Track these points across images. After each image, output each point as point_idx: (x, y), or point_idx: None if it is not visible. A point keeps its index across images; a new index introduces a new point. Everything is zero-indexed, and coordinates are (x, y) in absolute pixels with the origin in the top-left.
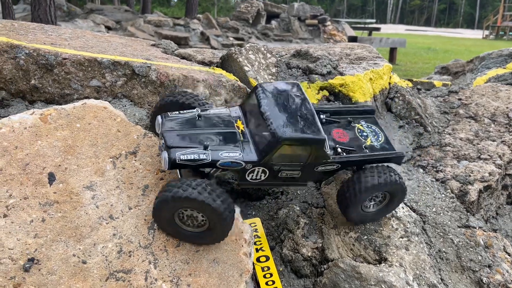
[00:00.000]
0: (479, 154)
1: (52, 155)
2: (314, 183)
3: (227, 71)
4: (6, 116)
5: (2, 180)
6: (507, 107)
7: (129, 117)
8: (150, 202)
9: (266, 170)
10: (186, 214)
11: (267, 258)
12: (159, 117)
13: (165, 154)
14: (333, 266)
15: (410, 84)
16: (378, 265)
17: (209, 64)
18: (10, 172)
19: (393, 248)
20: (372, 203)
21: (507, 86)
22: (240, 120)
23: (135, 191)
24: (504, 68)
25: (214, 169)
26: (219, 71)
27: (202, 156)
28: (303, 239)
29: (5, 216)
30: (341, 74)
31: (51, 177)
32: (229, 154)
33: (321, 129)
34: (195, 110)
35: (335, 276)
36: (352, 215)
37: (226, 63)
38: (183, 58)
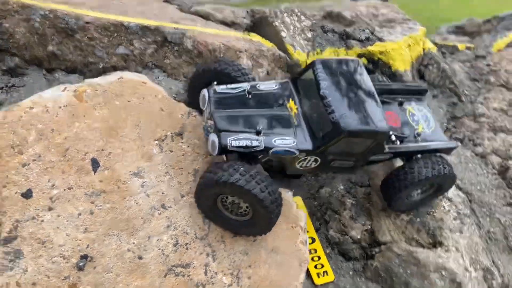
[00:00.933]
0: None
1: (93, 138)
2: None
3: (260, 35)
4: (21, 86)
5: (42, 168)
6: None
7: (165, 90)
8: None
9: (318, 159)
10: (229, 201)
11: (313, 240)
12: (205, 92)
13: (214, 138)
14: (386, 250)
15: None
16: (435, 249)
17: (230, 24)
18: (50, 159)
19: (447, 231)
20: (418, 191)
21: None
22: (292, 100)
23: (185, 177)
24: None
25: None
26: (255, 37)
27: (254, 143)
28: (352, 221)
29: (50, 209)
30: (380, 40)
31: (95, 164)
32: (283, 142)
33: (385, 118)
34: (243, 85)
35: (388, 260)
36: (396, 203)
37: (259, 26)
38: (200, 16)
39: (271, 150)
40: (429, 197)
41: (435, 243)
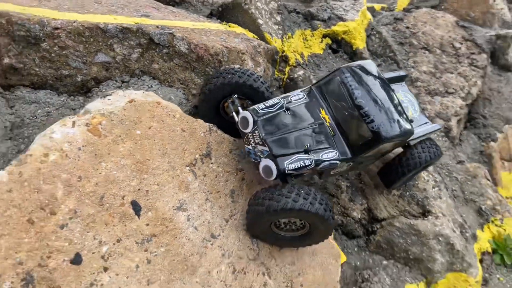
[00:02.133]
0: (446, 89)
1: (125, 178)
2: None
3: (232, 23)
4: None
5: (83, 225)
6: (449, 36)
7: (166, 101)
8: (242, 209)
9: (351, 163)
10: (283, 221)
11: None
12: (247, 115)
13: (269, 163)
14: (387, 225)
15: None
16: (428, 218)
17: (179, 2)
18: (88, 213)
19: (432, 199)
20: (413, 172)
21: (440, 12)
22: (322, 109)
23: (224, 200)
24: None
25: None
26: (238, 28)
27: (307, 162)
28: (351, 202)
29: (106, 269)
30: (341, 18)
31: (136, 206)
32: (328, 156)
33: (408, 117)
34: (277, 100)
35: (389, 233)
36: (396, 185)
37: (231, 12)
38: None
39: (320, 166)
40: (417, 173)
41: (424, 212)
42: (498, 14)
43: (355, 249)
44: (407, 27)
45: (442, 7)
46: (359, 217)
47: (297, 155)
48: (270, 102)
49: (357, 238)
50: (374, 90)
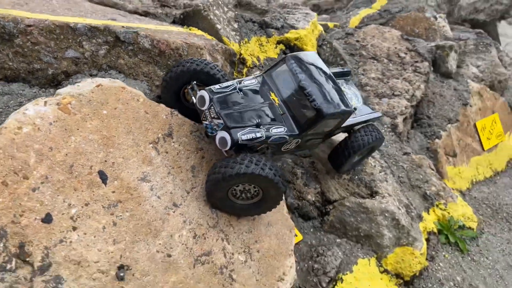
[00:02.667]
0: (393, 92)
1: (93, 150)
2: None
3: (197, 29)
4: None
5: (53, 189)
6: (395, 47)
7: None
8: (202, 182)
9: (299, 140)
10: (239, 189)
11: None
12: (204, 93)
13: (224, 135)
14: (338, 205)
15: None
16: (375, 198)
17: (144, 14)
18: (58, 179)
19: (378, 182)
20: (358, 155)
21: (387, 28)
22: (272, 92)
23: (185, 174)
24: (371, 8)
25: (260, 144)
26: (197, 31)
27: (258, 135)
28: (305, 187)
29: (75, 229)
30: (293, 27)
31: (103, 176)
32: (277, 130)
33: (346, 100)
34: (231, 83)
35: (341, 213)
36: (344, 167)
37: (192, 19)
38: (106, 6)
39: (270, 139)
40: (363, 158)
41: (372, 193)
42: (440, 30)
43: (311, 229)
44: (357, 41)
45: (390, 24)
46: (313, 200)
47: (249, 128)
48: (224, 84)
49: (312, 220)
50: (315, 75)
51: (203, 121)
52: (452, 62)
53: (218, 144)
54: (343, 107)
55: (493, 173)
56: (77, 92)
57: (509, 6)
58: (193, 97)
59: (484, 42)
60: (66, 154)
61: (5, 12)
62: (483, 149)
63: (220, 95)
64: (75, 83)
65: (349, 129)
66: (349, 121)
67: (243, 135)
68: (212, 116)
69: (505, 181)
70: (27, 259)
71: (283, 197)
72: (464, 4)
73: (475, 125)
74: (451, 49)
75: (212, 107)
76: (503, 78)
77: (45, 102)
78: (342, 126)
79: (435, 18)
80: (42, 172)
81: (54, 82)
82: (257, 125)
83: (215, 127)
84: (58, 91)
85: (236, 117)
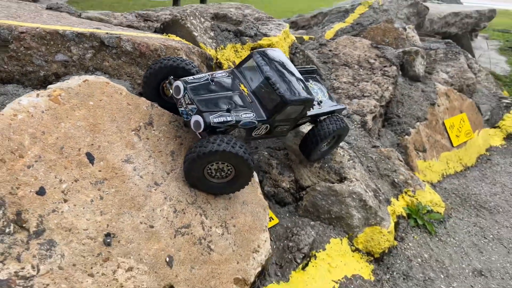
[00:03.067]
0: (363, 93)
1: (81, 135)
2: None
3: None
4: None
5: (46, 167)
6: (365, 55)
7: None
8: (181, 165)
9: (268, 126)
10: (213, 168)
11: None
12: (179, 83)
13: (198, 118)
14: (310, 190)
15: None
16: (343, 183)
17: (128, 27)
18: (50, 158)
19: (347, 169)
20: (325, 144)
21: (358, 38)
22: (241, 83)
23: (165, 158)
24: (344, 22)
25: (232, 128)
26: (175, 37)
27: (229, 118)
28: (280, 176)
29: (65, 200)
30: (265, 35)
31: (90, 157)
32: (246, 115)
33: (308, 89)
34: (204, 75)
35: (313, 197)
36: (313, 155)
37: (171, 28)
38: (93, 20)
39: (240, 123)
40: (332, 147)
41: (341, 179)
42: (409, 39)
43: (287, 214)
44: (330, 50)
45: (361, 35)
46: (288, 187)
47: (220, 112)
48: (198, 76)
49: (287, 205)
50: (279, 68)
51: (179, 108)
52: (419, 66)
53: (192, 127)
54: (305, 95)
55: (463, 167)
56: (66, 86)
57: (479, 19)
58: (170, 90)
59: (453, 50)
60: (57, 138)
61: (0, 22)
62: (452, 145)
63: (194, 84)
64: (64, 80)
65: (316, 119)
66: (315, 111)
67: (215, 118)
68: (187, 102)
69: (474, 175)
70: (24, 225)
71: (252, 175)
72: (435, 18)
73: (443, 123)
74: (417, 54)
75: (186, 95)
76: (471, 82)
77: (37, 94)
78: (308, 115)
79: (404, 29)
80: (35, 152)
81: (45, 83)
82: (228, 110)
83: (190, 112)
84: (49, 86)
85: (208, 103)
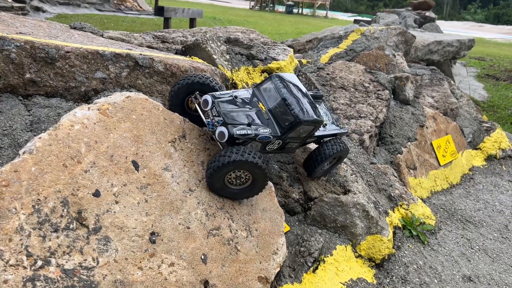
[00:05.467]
0: (359, 114)
1: (127, 145)
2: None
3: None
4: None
5: (100, 172)
6: (360, 79)
7: None
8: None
9: (280, 142)
10: (232, 176)
11: None
12: (208, 97)
13: (223, 129)
14: (318, 201)
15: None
16: (347, 194)
17: (148, 48)
18: (103, 164)
19: (350, 182)
20: (327, 163)
21: (353, 63)
22: (260, 102)
23: (197, 167)
24: (338, 47)
25: (250, 140)
26: (199, 60)
27: (249, 132)
28: (290, 187)
29: (117, 202)
30: (275, 59)
31: (135, 164)
32: (264, 131)
33: (319, 112)
34: (228, 92)
35: (320, 208)
36: (315, 174)
37: (192, 51)
38: (115, 40)
39: (258, 137)
40: (332, 167)
41: (346, 191)
42: (398, 65)
43: (296, 223)
44: (327, 74)
45: (355, 60)
46: (297, 197)
47: (242, 126)
48: (223, 92)
49: (297, 214)
50: (294, 91)
51: (205, 119)
52: (409, 91)
53: (217, 137)
54: (315, 117)
55: (449, 185)
56: (112, 101)
57: (459, 48)
58: (195, 104)
59: (438, 77)
60: (107, 147)
61: (47, 41)
62: (439, 164)
63: (221, 99)
64: (107, 95)
65: (320, 140)
66: (321, 133)
67: (238, 131)
68: (214, 114)
69: (459, 192)
70: (84, 223)
71: (267, 182)
72: (419, 45)
73: (431, 144)
74: (408, 79)
75: (214, 108)
76: (454, 107)
77: (88, 107)
78: (314, 135)
79: (394, 55)
80: (90, 159)
81: (85, 98)
82: (248, 124)
83: (215, 123)
84: (96, 100)
85: (232, 117)
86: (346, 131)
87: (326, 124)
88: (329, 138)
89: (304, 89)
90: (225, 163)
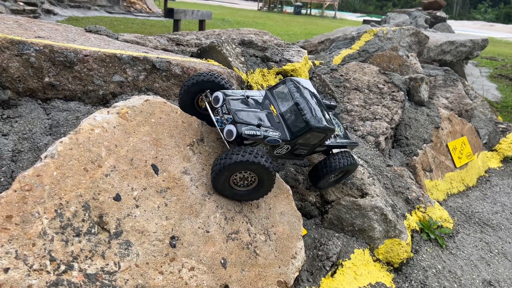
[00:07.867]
0: (374, 116)
1: (146, 149)
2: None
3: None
4: (17, 116)
5: (120, 176)
6: (374, 80)
7: None
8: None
9: (289, 147)
10: (238, 177)
11: None
12: (219, 94)
13: (231, 128)
14: (336, 204)
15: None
16: (365, 197)
17: (163, 50)
18: (123, 168)
19: (367, 185)
20: (334, 175)
21: (366, 64)
22: (272, 105)
23: None
24: (351, 49)
25: (258, 142)
26: (214, 62)
27: (258, 133)
28: (307, 190)
29: (137, 206)
30: (289, 61)
31: (155, 168)
32: (273, 133)
33: (331, 120)
34: (240, 91)
35: (337, 211)
36: (321, 185)
37: (207, 53)
38: (130, 43)
39: (267, 139)
40: (338, 180)
41: (363, 194)
42: (412, 66)
43: (313, 226)
44: (341, 75)
45: (368, 61)
46: (314, 201)
47: (251, 126)
48: (235, 91)
49: (314, 218)
50: (307, 97)
51: (214, 116)
52: (424, 92)
53: (225, 134)
54: (326, 124)
55: (465, 187)
56: (131, 104)
57: (472, 48)
58: (205, 102)
59: (452, 77)
60: (127, 150)
61: (66, 45)
62: (455, 166)
63: (231, 97)
64: (126, 99)
65: (329, 151)
66: (331, 142)
67: (246, 130)
68: (224, 112)
69: (476, 194)
70: (105, 227)
71: (274, 183)
72: (432, 46)
73: (447, 146)
74: (422, 80)
75: (224, 105)
76: (469, 108)
77: (108, 111)
78: (324, 144)
79: (407, 56)
80: (111, 163)
81: (103, 101)
82: (258, 126)
83: (225, 121)
84: (115, 104)
85: (242, 116)
86: (357, 143)
87: (337, 135)
88: (339, 150)
89: (318, 96)
90: (231, 163)
